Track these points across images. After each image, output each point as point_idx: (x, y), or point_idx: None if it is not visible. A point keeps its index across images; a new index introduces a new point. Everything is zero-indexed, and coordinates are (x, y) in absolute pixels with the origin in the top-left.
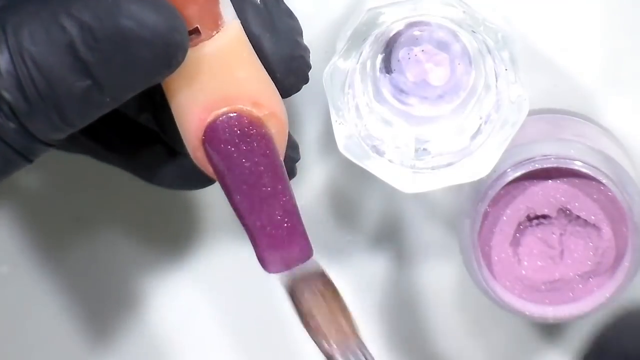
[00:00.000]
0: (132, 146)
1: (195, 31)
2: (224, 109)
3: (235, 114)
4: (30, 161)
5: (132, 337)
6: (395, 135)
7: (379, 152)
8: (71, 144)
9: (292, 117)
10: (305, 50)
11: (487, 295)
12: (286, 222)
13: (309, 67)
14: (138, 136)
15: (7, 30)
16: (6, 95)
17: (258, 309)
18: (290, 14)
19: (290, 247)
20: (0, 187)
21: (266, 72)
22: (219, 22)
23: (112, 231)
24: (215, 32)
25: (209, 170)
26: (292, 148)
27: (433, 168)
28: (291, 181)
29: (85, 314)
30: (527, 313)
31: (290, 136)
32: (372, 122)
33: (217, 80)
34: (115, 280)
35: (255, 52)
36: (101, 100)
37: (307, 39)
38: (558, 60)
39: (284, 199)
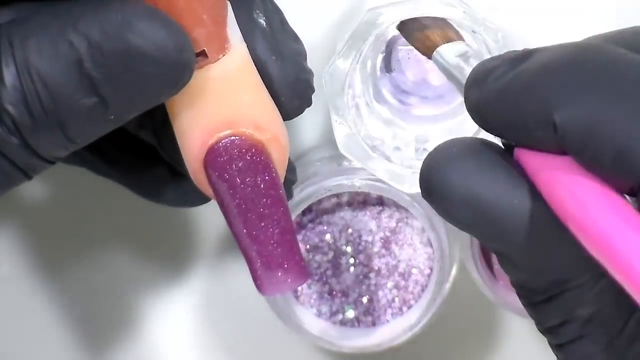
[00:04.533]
0: (131, 161)
1: (202, 54)
2: (226, 132)
3: (237, 138)
4: (30, 178)
5: (129, 342)
6: (395, 135)
7: (379, 152)
8: (70, 156)
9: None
10: (310, 73)
11: (487, 295)
12: (282, 247)
13: (312, 90)
14: (138, 151)
15: (14, 44)
16: (10, 109)
17: (255, 325)
18: (295, 38)
19: (285, 271)
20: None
21: (269, 96)
22: (226, 46)
23: (110, 243)
24: (221, 55)
25: (208, 192)
26: (290, 170)
27: None
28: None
29: (83, 317)
30: (527, 313)
31: (288, 159)
32: (372, 122)
33: (221, 103)
34: (112, 290)
35: (261, 75)
36: (105, 118)
37: (308, 39)
38: None
39: (282, 223)
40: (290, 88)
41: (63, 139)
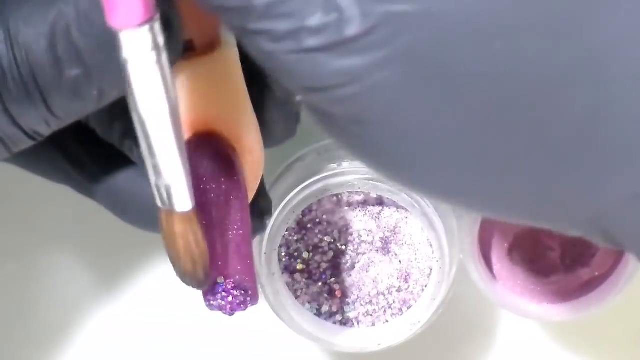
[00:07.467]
0: (108, 173)
1: (190, 45)
2: (198, 131)
3: (209, 138)
4: (10, 151)
5: (126, 341)
6: None
7: None
8: (54, 171)
9: None
10: (299, 104)
11: (487, 295)
12: (236, 257)
13: (298, 120)
14: (118, 167)
15: (4, 10)
16: None
17: (254, 325)
18: None
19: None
20: None
21: (253, 110)
22: (216, 44)
23: (105, 242)
24: (209, 52)
25: None
26: (263, 197)
27: None
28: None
29: (79, 315)
30: (527, 313)
31: (265, 191)
32: None
33: (201, 101)
34: (107, 289)
35: (253, 90)
36: (88, 92)
37: None
38: None
39: (238, 239)
40: (278, 109)
41: (45, 110)
